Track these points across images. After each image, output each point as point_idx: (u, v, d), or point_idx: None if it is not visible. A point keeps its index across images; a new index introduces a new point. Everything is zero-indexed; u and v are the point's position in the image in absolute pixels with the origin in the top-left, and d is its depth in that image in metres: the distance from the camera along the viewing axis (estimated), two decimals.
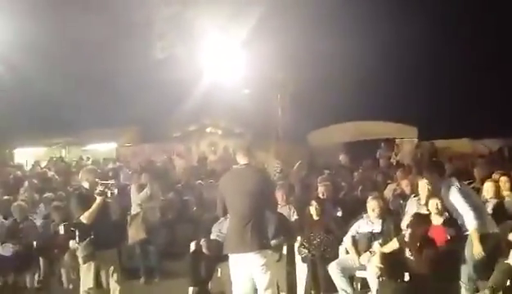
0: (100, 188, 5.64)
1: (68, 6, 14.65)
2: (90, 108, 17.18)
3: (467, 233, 5.40)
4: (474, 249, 5.14)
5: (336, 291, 5.91)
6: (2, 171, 14.20)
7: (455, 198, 5.42)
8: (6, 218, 8.30)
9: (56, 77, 16.22)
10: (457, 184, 5.55)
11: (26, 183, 11.15)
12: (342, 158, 12.58)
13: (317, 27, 14.91)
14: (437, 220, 5.75)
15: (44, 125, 18.45)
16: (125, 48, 15.96)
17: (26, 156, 19.07)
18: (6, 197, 9.63)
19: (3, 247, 7.73)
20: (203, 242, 6.74)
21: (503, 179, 6.76)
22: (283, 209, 7.32)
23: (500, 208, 6.28)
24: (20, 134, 18.85)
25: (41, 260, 7.60)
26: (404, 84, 16.47)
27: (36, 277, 7.68)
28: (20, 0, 14.06)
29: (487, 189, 6.53)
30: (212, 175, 11.15)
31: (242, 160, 4.98)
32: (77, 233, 5.65)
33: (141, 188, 8.38)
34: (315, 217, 6.53)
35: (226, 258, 6.51)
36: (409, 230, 5.48)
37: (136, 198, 8.34)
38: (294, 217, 7.30)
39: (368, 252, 5.81)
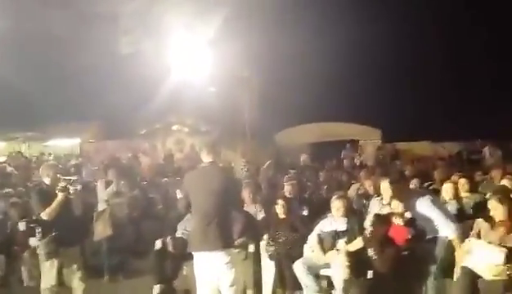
0: (61, 184, 5.52)
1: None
2: (52, 102, 16.73)
3: (430, 236, 5.52)
4: (458, 257, 5.21)
5: (301, 288, 5.98)
6: None
7: (429, 209, 5.47)
8: None
9: (18, 70, 15.71)
10: (430, 196, 5.65)
11: None
12: (305, 158, 12.74)
13: (283, 27, 15.04)
14: (398, 220, 5.90)
15: (4, 119, 17.85)
16: (90, 42, 15.62)
17: None
18: None
19: None
20: (168, 239, 6.69)
21: (462, 181, 7.00)
22: (249, 208, 7.35)
23: (459, 209, 6.51)
24: None
25: (1, 257, 7.35)
26: (368, 87, 16.84)
27: None
28: None
29: (447, 190, 6.75)
30: (178, 172, 11.07)
31: (207, 158, 4.96)
32: (38, 230, 5.51)
33: (107, 184, 8.26)
34: (281, 216, 6.58)
35: (191, 256, 6.47)
36: (370, 229, 5.63)
37: (102, 195, 8.21)
38: (260, 216, 7.33)
39: (334, 250, 5.90)
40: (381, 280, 5.38)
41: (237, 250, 6.41)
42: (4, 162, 14.40)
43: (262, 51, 15.69)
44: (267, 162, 10.85)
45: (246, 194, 7.56)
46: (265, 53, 15.73)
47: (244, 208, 7.12)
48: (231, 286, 4.79)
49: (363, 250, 5.59)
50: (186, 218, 6.89)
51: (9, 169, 12.80)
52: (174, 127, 17.97)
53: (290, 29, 14.98)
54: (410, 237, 5.78)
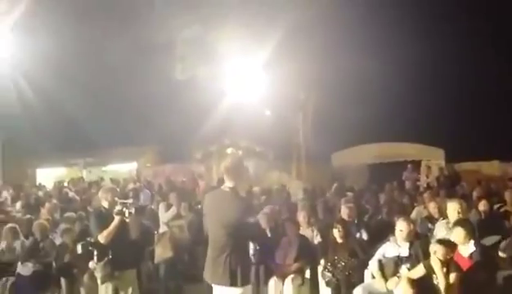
0: (118, 207, 5.55)
1: (90, 28, 14.93)
2: (111, 128, 17.34)
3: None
4: None
5: None
6: (24, 191, 14.31)
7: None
8: (27, 237, 8.26)
9: (78, 98, 16.45)
10: None
11: (47, 203, 11.16)
12: (365, 180, 12.37)
13: (341, 47, 14.86)
14: (462, 251, 5.47)
15: (65, 145, 18.67)
16: (146, 69, 16.15)
17: (48, 176, 19.27)
18: (27, 216, 9.62)
19: (23, 266, 7.67)
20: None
21: None
22: (305, 231, 7.14)
23: None
24: (42, 154, 19.09)
25: (62, 279, 7.51)
26: (430, 105, 16.18)
27: None
28: (45, 23, 14.36)
29: None
30: None
31: (228, 182, 4.40)
32: (95, 253, 5.54)
33: (168, 207, 8.33)
34: (339, 240, 6.31)
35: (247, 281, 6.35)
36: (434, 256, 5.24)
37: (163, 217, 8.29)
38: (317, 240, 7.10)
39: (396, 277, 5.55)
40: None
41: (292, 275, 6.21)
42: (66, 187, 14.93)
43: (319, 71, 15.57)
44: (334, 185, 10.58)
45: (301, 218, 7.38)
46: (322, 72, 15.60)
47: (300, 232, 6.92)
48: None
49: (428, 277, 5.20)
50: None
51: (70, 194, 13.23)
52: (228, 150, 18.06)
53: (350, 46, 14.78)
54: (474, 262, 5.32)
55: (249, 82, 16.95)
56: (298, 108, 17.72)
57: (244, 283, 4.32)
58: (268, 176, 16.33)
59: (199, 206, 10.53)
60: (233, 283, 4.28)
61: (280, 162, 17.24)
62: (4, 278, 7.65)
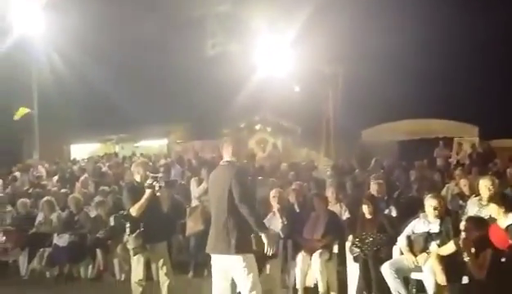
0: (149, 181, 5.66)
1: (122, 4, 15.04)
2: (143, 105, 17.55)
3: None
4: None
5: (388, 292, 5.66)
6: (59, 166, 14.75)
7: None
8: (63, 210, 8.55)
9: (111, 75, 16.69)
10: None
11: (82, 178, 11.50)
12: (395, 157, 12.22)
13: (371, 22, 14.54)
14: (500, 223, 5.37)
15: (99, 122, 19.05)
16: (177, 46, 16.21)
17: (82, 152, 19.78)
18: (63, 190, 9.95)
19: (60, 237, 7.97)
20: (251, 237, 6.64)
21: None
22: (334, 207, 7.15)
23: None
24: (76, 131, 19.56)
25: (97, 250, 7.77)
26: (464, 81, 15.72)
27: (90, 267, 7.85)
28: (76, 1, 14.54)
29: None
30: (260, 172, 11.07)
31: (226, 157, 4.72)
32: (127, 226, 5.69)
33: (199, 182, 8.47)
34: (367, 216, 6.29)
35: (274, 255, 6.43)
36: (464, 234, 5.17)
37: (195, 192, 8.45)
38: (345, 216, 7.10)
39: (425, 253, 5.51)
40: (477, 286, 4.93)
41: (320, 250, 6.25)
42: (100, 162, 15.31)
43: (346, 48, 15.32)
44: (373, 160, 10.53)
45: (330, 193, 7.38)
46: (350, 49, 15.35)
47: (329, 208, 6.93)
48: (251, 292, 4.50)
49: (458, 254, 5.15)
50: (268, 216, 6.84)
51: (104, 169, 13.56)
52: (257, 127, 18.07)
53: (381, 21, 14.45)
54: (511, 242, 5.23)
55: (279, 58, 16.84)
56: (327, 84, 17.54)
57: (246, 251, 4.49)
58: (297, 152, 16.31)
59: None
60: (238, 251, 4.47)
61: (308, 138, 17.17)
62: (41, 249, 8.00)
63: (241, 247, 4.51)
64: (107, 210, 8.14)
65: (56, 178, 12.51)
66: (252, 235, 6.54)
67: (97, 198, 8.69)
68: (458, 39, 15.09)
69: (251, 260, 4.57)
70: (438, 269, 5.17)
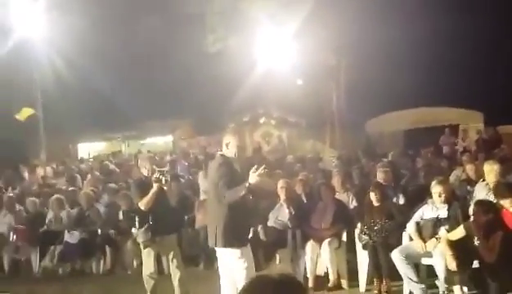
0: (156, 175, 5.70)
1: (123, 5, 15.05)
2: (146, 103, 17.60)
3: None
4: None
5: (399, 278, 5.68)
6: (67, 165, 14.82)
7: None
8: (72, 207, 8.61)
9: (114, 74, 16.73)
10: None
11: (89, 175, 11.55)
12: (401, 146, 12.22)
13: (374, 11, 14.49)
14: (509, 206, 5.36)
15: (105, 121, 19.12)
16: (178, 43, 16.21)
17: (89, 151, 19.88)
18: (71, 188, 10.01)
19: (70, 234, 8.02)
20: (260, 228, 6.68)
21: None
22: (341, 196, 7.16)
23: None
24: (83, 130, 19.65)
25: (107, 246, 7.83)
26: (468, 68, 15.64)
27: (102, 263, 7.90)
28: (78, 1, 14.56)
29: None
30: (266, 164, 11.06)
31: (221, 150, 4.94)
32: (136, 220, 5.74)
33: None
34: (375, 203, 6.29)
35: (284, 244, 6.46)
36: (473, 218, 5.17)
37: (203, 185, 8.50)
38: (352, 204, 7.12)
39: (434, 239, 5.52)
40: (487, 270, 4.93)
41: (329, 239, 6.27)
42: (107, 160, 15.38)
43: (348, 39, 15.28)
44: (391, 153, 10.57)
45: (336, 182, 7.40)
46: (352, 40, 15.30)
47: (336, 196, 6.95)
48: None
49: (468, 238, 5.16)
50: (276, 207, 6.87)
51: (111, 166, 13.63)
52: (261, 120, 18.07)
53: (384, 10, 14.39)
54: None
55: (281, 51, 16.81)
56: (329, 76, 17.51)
57: (237, 245, 4.57)
58: (302, 145, 16.31)
59: None
60: (228, 244, 4.58)
61: (313, 130, 17.16)
62: (52, 247, 8.06)
63: (230, 241, 4.59)
64: (117, 206, 8.18)
65: (63, 177, 12.57)
66: (260, 226, 6.65)
67: (106, 196, 8.74)
68: (462, 26, 15.00)
69: (245, 253, 4.64)
70: (449, 254, 5.17)
